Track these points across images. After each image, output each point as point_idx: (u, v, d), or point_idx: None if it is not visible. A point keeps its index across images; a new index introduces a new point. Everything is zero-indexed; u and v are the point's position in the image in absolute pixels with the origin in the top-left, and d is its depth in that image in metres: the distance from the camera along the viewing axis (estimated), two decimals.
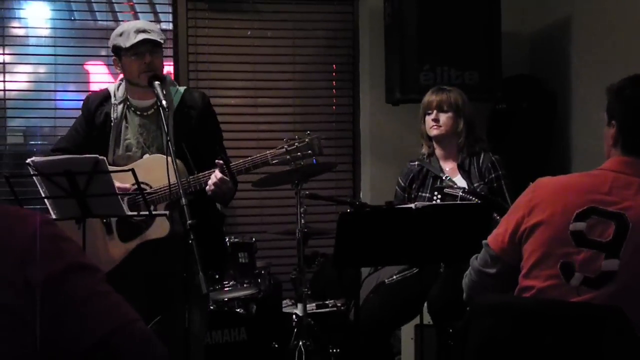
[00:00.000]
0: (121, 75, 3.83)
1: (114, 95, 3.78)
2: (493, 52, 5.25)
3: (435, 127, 4.26)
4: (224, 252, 4.39)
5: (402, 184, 4.38)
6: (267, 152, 3.64)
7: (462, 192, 3.95)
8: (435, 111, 4.26)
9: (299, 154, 3.65)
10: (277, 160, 3.65)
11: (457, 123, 4.26)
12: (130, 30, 3.67)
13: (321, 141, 3.72)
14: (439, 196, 4.07)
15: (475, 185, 4.15)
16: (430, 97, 4.32)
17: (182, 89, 3.86)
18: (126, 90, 3.78)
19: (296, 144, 3.65)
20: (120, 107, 3.75)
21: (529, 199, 2.53)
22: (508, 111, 5.55)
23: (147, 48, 3.66)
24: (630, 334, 2.19)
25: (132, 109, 3.77)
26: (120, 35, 3.69)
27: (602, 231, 2.35)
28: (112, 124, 3.73)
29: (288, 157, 3.64)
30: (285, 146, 3.64)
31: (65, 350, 1.44)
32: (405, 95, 5.20)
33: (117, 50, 3.72)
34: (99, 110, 3.78)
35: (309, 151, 3.67)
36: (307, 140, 3.67)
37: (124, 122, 3.75)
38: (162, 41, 3.72)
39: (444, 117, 4.25)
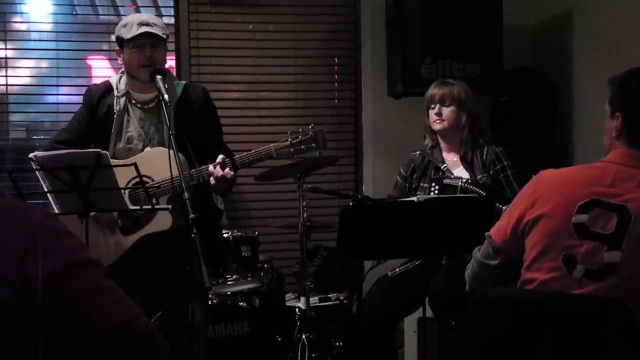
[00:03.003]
0: (122, 68, 3.84)
1: (116, 88, 3.79)
2: (495, 45, 5.24)
3: (438, 121, 4.26)
4: (222, 246, 4.40)
5: (404, 173, 4.38)
6: (271, 145, 3.64)
7: (462, 183, 3.93)
8: (437, 105, 4.26)
9: (302, 147, 3.65)
10: (281, 154, 3.66)
11: (460, 117, 4.25)
12: (134, 22, 3.68)
13: (325, 134, 3.72)
14: (437, 187, 4.08)
15: (478, 177, 4.14)
16: (432, 91, 4.31)
17: (182, 83, 3.87)
18: (127, 83, 3.79)
19: (300, 137, 3.64)
20: (122, 99, 3.76)
21: (532, 192, 2.53)
22: (510, 104, 5.55)
23: (149, 41, 3.66)
24: (633, 326, 2.20)
25: (134, 101, 3.78)
26: (124, 26, 3.70)
27: (605, 223, 2.35)
28: (114, 116, 3.74)
29: (292, 150, 3.64)
30: (289, 139, 3.64)
31: (68, 347, 1.43)
32: (407, 88, 5.19)
33: (119, 41, 3.73)
34: (101, 102, 3.78)
35: (313, 144, 3.67)
36: (311, 133, 3.66)
37: (126, 115, 3.76)
38: (164, 36, 3.72)
39: (446, 111, 4.25)
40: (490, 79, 5.20)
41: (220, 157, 3.55)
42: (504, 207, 3.32)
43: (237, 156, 3.61)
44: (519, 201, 2.57)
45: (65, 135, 3.86)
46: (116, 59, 3.86)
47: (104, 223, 3.63)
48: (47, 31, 5.64)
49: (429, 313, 3.93)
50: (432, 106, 4.28)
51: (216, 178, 3.52)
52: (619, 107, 2.52)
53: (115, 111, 3.74)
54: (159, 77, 3.56)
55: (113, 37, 3.76)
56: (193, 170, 3.56)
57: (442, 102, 4.25)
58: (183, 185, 3.27)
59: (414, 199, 3.60)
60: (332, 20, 6.01)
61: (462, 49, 5.18)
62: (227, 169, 3.54)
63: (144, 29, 3.64)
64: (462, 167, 4.23)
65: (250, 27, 5.88)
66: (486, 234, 2.67)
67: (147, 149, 3.71)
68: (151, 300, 3.83)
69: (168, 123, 3.42)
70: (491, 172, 4.17)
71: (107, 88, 3.82)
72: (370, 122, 5.86)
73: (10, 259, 1.41)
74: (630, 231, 2.32)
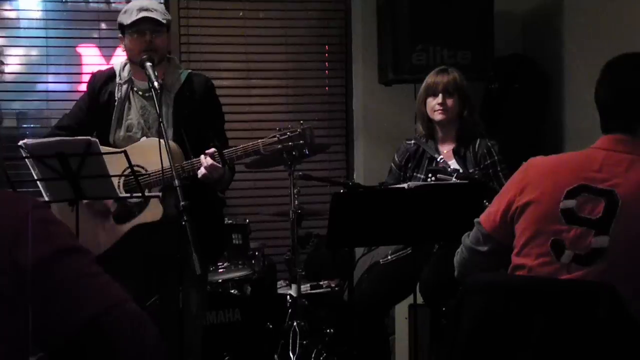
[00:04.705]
0: (114, 55, 3.82)
1: (119, 75, 3.77)
2: (486, 31, 5.24)
3: (440, 111, 4.17)
4: (222, 236, 4.40)
5: (398, 161, 4.34)
6: (259, 140, 3.64)
7: (455, 178, 3.90)
8: (441, 95, 4.17)
9: (290, 143, 3.65)
10: (268, 150, 3.66)
11: (463, 107, 4.20)
12: (134, 8, 3.66)
13: (313, 131, 3.72)
14: (433, 178, 4.06)
15: (470, 170, 4.12)
16: (435, 79, 4.22)
17: (186, 71, 3.85)
18: (130, 71, 3.78)
19: (288, 133, 3.65)
20: (124, 87, 3.75)
21: (521, 178, 2.54)
22: (501, 91, 5.55)
23: (149, 27, 3.64)
24: (622, 311, 2.21)
25: (136, 89, 3.76)
26: (125, 12, 3.69)
27: (592, 208, 2.36)
28: (115, 103, 3.73)
29: (280, 146, 3.64)
30: (277, 135, 3.64)
31: (56, 332, 1.45)
32: (397, 75, 5.20)
33: (121, 28, 3.71)
34: (103, 89, 3.77)
35: (301, 141, 3.67)
36: (299, 130, 3.67)
37: (127, 103, 3.75)
38: (164, 21, 3.69)
39: (450, 102, 4.17)
40: (481, 65, 5.21)
41: (211, 150, 3.55)
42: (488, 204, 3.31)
43: (225, 150, 3.61)
44: (508, 188, 2.58)
45: (66, 122, 3.85)
46: (107, 47, 3.84)
47: (97, 208, 3.63)
48: (36, 19, 5.61)
49: (420, 300, 3.94)
50: (434, 95, 4.20)
51: (206, 167, 3.52)
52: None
53: (116, 99, 3.73)
54: (148, 64, 3.55)
55: (103, 25, 3.75)
56: (185, 162, 3.55)
57: (445, 92, 4.17)
58: (173, 174, 3.27)
59: (405, 185, 3.60)
60: (322, 7, 5.99)
61: (453, 36, 5.18)
62: (213, 162, 3.54)
63: (143, 14, 3.62)
64: (454, 160, 4.20)
65: (241, 14, 5.86)
66: (475, 220, 2.68)
67: (143, 138, 3.70)
68: (147, 289, 3.83)
69: (158, 111, 3.41)
70: (482, 166, 4.14)
71: (110, 75, 3.81)
72: (360, 109, 5.86)
73: (0, 248, 1.41)
74: (618, 216, 2.33)
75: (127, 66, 3.79)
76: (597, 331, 2.19)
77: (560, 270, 2.37)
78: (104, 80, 3.80)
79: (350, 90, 5.95)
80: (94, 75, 3.89)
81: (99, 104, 3.76)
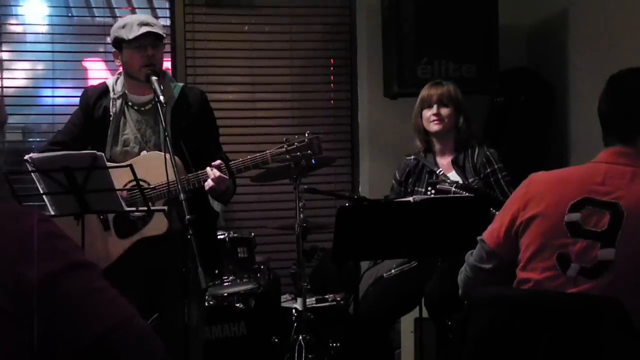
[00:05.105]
0: (119, 70, 3.83)
1: (113, 90, 3.77)
2: (490, 45, 5.24)
3: (436, 122, 4.21)
4: (219, 248, 4.40)
5: (399, 178, 4.37)
6: (267, 151, 3.64)
7: (455, 187, 3.91)
8: (435, 105, 4.21)
9: (298, 153, 3.66)
10: (276, 160, 3.67)
11: (457, 118, 4.23)
12: (134, 22, 3.66)
13: (320, 141, 3.73)
14: (433, 192, 4.06)
15: (470, 180, 4.13)
16: (429, 91, 4.27)
17: (180, 85, 3.85)
18: (124, 85, 3.77)
19: (296, 143, 3.66)
20: (119, 101, 3.74)
21: (524, 193, 2.54)
22: (506, 104, 5.55)
23: (149, 41, 3.65)
24: (628, 325, 2.20)
25: (130, 103, 3.76)
26: (123, 27, 3.67)
27: (597, 221, 2.36)
28: (110, 118, 3.72)
29: (287, 156, 3.65)
30: (285, 146, 3.65)
31: (63, 350, 1.42)
32: (403, 89, 5.19)
33: (118, 42, 3.70)
34: (97, 104, 3.76)
35: (309, 151, 3.68)
36: (306, 140, 3.68)
37: (122, 117, 3.74)
38: (164, 35, 3.71)
39: (445, 112, 4.21)
40: (486, 79, 5.21)
41: (217, 162, 3.55)
42: (495, 212, 3.31)
43: (232, 161, 3.61)
44: (510, 204, 2.58)
45: (60, 138, 3.84)
46: (112, 61, 3.84)
47: (100, 222, 3.63)
48: (42, 33, 5.64)
49: (426, 313, 3.93)
50: (429, 107, 4.24)
51: (213, 179, 3.52)
52: None
53: (111, 114, 3.72)
54: (154, 78, 3.55)
55: (109, 39, 3.74)
56: (190, 175, 3.55)
57: (440, 103, 4.21)
58: (179, 187, 3.27)
59: (410, 199, 3.59)
60: (327, 22, 6.01)
61: (458, 49, 5.18)
62: (220, 174, 3.54)
63: (145, 28, 3.63)
64: (454, 171, 4.21)
65: (246, 28, 5.88)
66: (479, 238, 2.67)
67: (144, 152, 3.69)
68: (148, 303, 3.83)
69: (164, 124, 3.41)
70: (482, 175, 4.15)
71: (103, 90, 3.80)
72: (366, 122, 5.86)
73: (4, 263, 1.39)
74: (624, 228, 2.32)
75: (120, 80, 3.78)
76: (603, 346, 2.18)
77: (566, 284, 2.37)
78: (97, 95, 3.79)
79: (356, 104, 5.96)
80: (87, 91, 3.88)
81: (94, 120, 3.75)
